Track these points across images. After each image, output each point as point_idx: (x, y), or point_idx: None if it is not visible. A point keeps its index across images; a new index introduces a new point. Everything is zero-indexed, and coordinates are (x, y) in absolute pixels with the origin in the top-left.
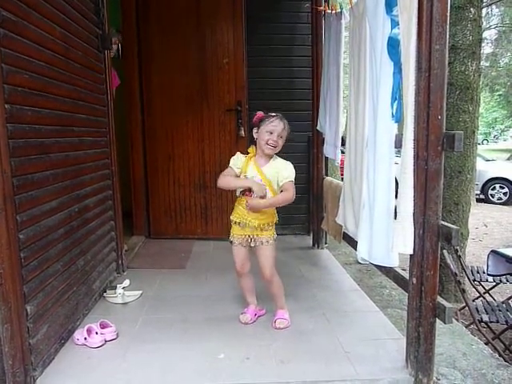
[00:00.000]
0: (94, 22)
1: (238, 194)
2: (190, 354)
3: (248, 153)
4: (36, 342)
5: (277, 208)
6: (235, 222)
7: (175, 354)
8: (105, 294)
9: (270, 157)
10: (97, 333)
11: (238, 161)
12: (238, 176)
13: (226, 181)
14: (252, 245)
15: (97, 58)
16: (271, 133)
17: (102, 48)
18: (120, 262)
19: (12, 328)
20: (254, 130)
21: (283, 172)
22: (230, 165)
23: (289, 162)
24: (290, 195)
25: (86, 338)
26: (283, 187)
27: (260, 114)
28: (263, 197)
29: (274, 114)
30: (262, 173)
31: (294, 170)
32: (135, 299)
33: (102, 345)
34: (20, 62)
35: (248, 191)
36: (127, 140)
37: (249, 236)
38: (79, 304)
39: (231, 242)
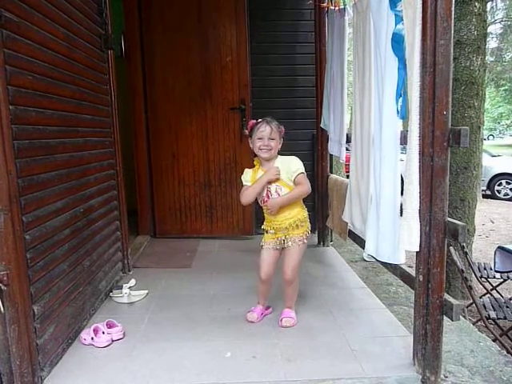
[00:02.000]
0: (96, 22)
1: (260, 202)
2: (196, 353)
3: (254, 165)
4: (43, 342)
5: None
6: (266, 231)
7: (182, 353)
8: (111, 293)
9: (273, 159)
10: (103, 332)
11: (246, 176)
12: None
13: (245, 194)
14: (285, 246)
15: (100, 58)
16: (261, 138)
17: (105, 48)
18: (126, 261)
19: (19, 328)
20: (249, 141)
21: (291, 166)
22: (243, 182)
23: (293, 156)
24: (305, 188)
25: (92, 338)
26: (296, 181)
27: (251, 123)
28: (278, 177)
29: (260, 119)
30: None
31: (301, 162)
32: (141, 299)
33: (109, 344)
34: (23, 63)
35: (266, 197)
36: (131, 139)
37: (282, 238)
38: (86, 304)
39: (262, 246)
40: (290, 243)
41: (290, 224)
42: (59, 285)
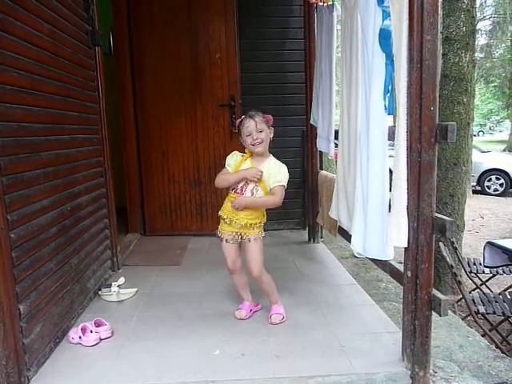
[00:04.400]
0: (83, 18)
1: (230, 190)
2: (186, 351)
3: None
4: (30, 341)
5: None
6: (223, 218)
7: (171, 351)
8: (100, 292)
9: (265, 157)
10: (91, 331)
11: (231, 159)
12: None
13: (220, 179)
14: (239, 240)
15: (87, 54)
16: (249, 134)
17: (93, 45)
18: (115, 259)
19: (5, 328)
20: (240, 140)
21: (276, 175)
22: (225, 164)
23: (284, 166)
24: (277, 199)
25: (80, 337)
26: (272, 190)
27: (238, 121)
28: (260, 179)
29: (243, 116)
30: None
31: (287, 175)
32: (130, 297)
33: (97, 343)
34: (7, 59)
35: (240, 190)
36: (120, 137)
37: (236, 233)
38: (74, 303)
39: (219, 237)
40: (245, 240)
41: (246, 223)
42: (46, 284)
